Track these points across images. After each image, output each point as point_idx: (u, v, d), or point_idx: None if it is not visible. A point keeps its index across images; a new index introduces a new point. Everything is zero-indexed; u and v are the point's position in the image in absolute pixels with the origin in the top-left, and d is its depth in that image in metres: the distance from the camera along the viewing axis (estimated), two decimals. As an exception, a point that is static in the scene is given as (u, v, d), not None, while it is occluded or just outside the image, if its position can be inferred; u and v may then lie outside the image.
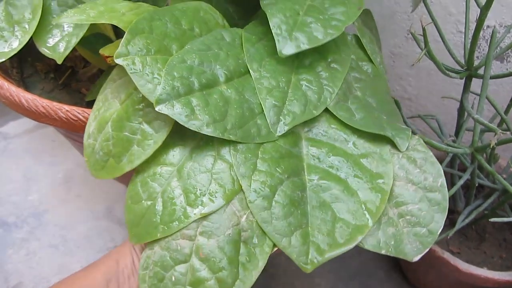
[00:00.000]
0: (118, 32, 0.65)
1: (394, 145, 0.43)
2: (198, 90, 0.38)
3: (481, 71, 0.53)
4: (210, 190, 0.38)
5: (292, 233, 0.37)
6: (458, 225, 0.57)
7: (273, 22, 0.42)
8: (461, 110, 0.59)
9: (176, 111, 0.36)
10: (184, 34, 0.41)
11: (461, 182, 0.53)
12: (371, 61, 0.51)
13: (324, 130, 0.43)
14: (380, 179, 0.41)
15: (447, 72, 0.51)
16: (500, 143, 0.47)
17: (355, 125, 0.43)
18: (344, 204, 0.39)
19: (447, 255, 0.61)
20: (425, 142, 0.45)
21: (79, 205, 0.86)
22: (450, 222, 0.71)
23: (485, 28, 0.69)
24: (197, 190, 0.38)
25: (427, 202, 0.41)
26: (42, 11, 0.54)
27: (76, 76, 0.65)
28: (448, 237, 0.56)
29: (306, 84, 0.43)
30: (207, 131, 0.37)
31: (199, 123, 0.37)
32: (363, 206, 0.39)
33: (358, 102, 0.46)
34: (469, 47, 0.52)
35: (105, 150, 0.41)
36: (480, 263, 0.66)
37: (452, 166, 0.63)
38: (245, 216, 0.38)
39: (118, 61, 0.36)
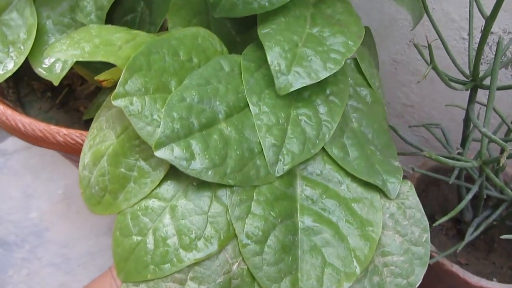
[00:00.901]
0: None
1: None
2: (197, 131, 0.37)
3: (486, 81, 0.52)
4: (205, 234, 0.37)
5: (282, 279, 0.37)
6: (467, 238, 0.56)
7: (271, 57, 0.41)
8: (467, 121, 0.57)
9: (175, 155, 0.35)
10: (183, 67, 0.40)
11: (470, 196, 0.52)
12: (369, 85, 0.50)
13: (320, 169, 0.43)
14: (370, 227, 0.41)
15: (452, 85, 0.50)
16: (510, 157, 0.45)
17: (347, 168, 0.43)
18: (334, 249, 0.39)
19: (456, 268, 0.60)
20: (432, 159, 0.44)
21: (79, 222, 0.85)
22: (458, 232, 0.70)
23: (489, 34, 0.68)
24: (192, 233, 0.37)
25: (410, 255, 0.42)
26: (37, 30, 0.53)
27: (74, 94, 0.64)
28: (457, 253, 0.55)
29: (305, 119, 0.42)
30: (207, 177, 0.36)
31: (199, 169, 0.36)
32: (352, 253, 0.39)
33: (354, 136, 0.46)
34: (474, 58, 0.51)
35: (101, 186, 0.40)
36: (489, 274, 0.64)
37: (459, 176, 0.62)
38: (236, 264, 0.37)
39: (115, 103, 0.35)
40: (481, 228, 0.58)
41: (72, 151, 0.48)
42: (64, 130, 0.47)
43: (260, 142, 0.40)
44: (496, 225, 0.62)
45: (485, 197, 0.58)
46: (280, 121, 0.41)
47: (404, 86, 0.83)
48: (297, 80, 0.41)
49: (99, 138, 0.41)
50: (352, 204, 0.42)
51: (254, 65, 0.43)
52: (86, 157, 0.41)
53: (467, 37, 0.71)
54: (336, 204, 0.42)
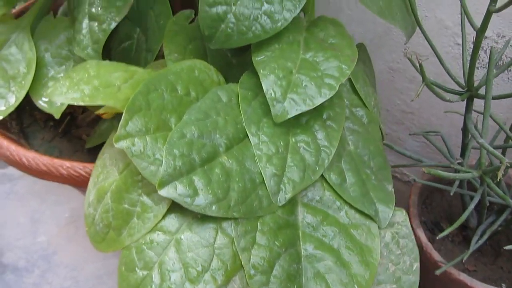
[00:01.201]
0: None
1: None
2: (199, 166, 0.38)
3: (482, 90, 0.53)
4: (212, 266, 0.37)
5: None
6: (473, 247, 0.56)
7: (266, 85, 0.42)
8: (466, 130, 0.58)
9: (179, 192, 0.36)
10: (181, 102, 0.40)
11: (472, 206, 0.52)
12: (365, 105, 0.51)
13: (319, 195, 0.44)
14: (369, 253, 0.42)
15: (447, 97, 0.50)
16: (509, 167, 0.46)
17: (344, 196, 0.44)
18: (337, 276, 0.40)
19: (463, 277, 0.60)
20: (432, 174, 0.44)
21: (87, 244, 0.85)
22: (464, 238, 0.70)
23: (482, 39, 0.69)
24: (198, 266, 0.37)
25: (402, 283, 0.43)
26: (36, 64, 0.54)
27: (75, 122, 0.64)
28: (464, 260, 0.55)
29: (304, 146, 0.43)
30: (211, 212, 0.37)
31: (203, 204, 0.37)
32: (354, 279, 0.40)
33: (351, 160, 0.47)
34: (468, 68, 0.51)
35: (105, 222, 0.40)
36: (497, 280, 0.64)
37: (461, 184, 0.62)
38: None
39: (118, 145, 0.36)
40: (486, 236, 0.58)
41: (76, 183, 0.49)
42: (67, 163, 0.47)
43: (261, 172, 0.41)
44: (502, 230, 0.63)
45: (488, 204, 0.58)
46: (280, 150, 0.42)
47: (402, 94, 0.84)
48: (293, 107, 0.41)
49: (103, 176, 0.41)
50: (351, 230, 0.43)
51: (251, 94, 0.44)
52: (91, 194, 0.42)
53: (461, 42, 0.71)
54: (336, 230, 0.43)
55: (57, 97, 0.40)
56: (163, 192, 0.35)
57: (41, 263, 0.84)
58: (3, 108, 0.52)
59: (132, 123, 0.37)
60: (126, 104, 0.37)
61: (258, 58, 0.45)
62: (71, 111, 0.65)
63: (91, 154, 0.62)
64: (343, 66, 0.44)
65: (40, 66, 0.54)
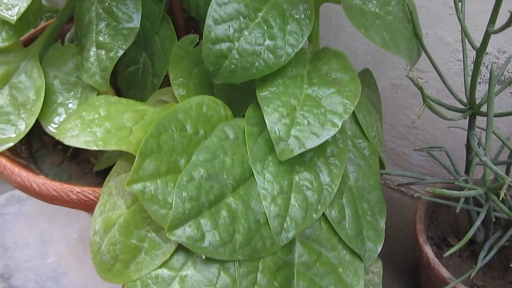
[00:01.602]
0: (121, 97, 0.66)
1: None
2: (207, 209, 0.39)
3: (484, 108, 0.53)
4: None
5: None
6: (480, 263, 0.56)
7: (270, 123, 0.43)
8: (469, 146, 0.58)
9: (187, 235, 0.37)
10: (190, 142, 0.41)
11: (478, 222, 0.52)
12: (367, 136, 0.52)
13: (317, 233, 0.46)
14: None
15: (449, 117, 0.51)
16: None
17: (341, 234, 0.46)
18: None
19: (472, 293, 0.60)
20: (436, 193, 0.45)
21: (97, 264, 0.86)
22: (471, 253, 0.70)
23: (484, 55, 0.69)
24: None
25: None
26: (45, 90, 0.55)
27: (84, 145, 0.65)
28: (472, 276, 0.55)
29: (307, 185, 0.44)
30: (217, 255, 0.38)
31: (210, 248, 0.38)
32: None
33: (351, 195, 0.48)
34: (469, 86, 0.52)
35: (112, 254, 0.41)
36: (506, 295, 0.64)
37: (467, 200, 0.62)
38: None
39: (130, 188, 0.36)
40: (494, 251, 0.58)
41: (86, 208, 0.49)
42: (77, 188, 0.48)
43: (265, 212, 0.42)
44: (509, 245, 0.63)
45: (494, 220, 0.58)
46: (284, 189, 0.43)
47: (406, 109, 0.84)
48: (297, 145, 0.42)
49: (109, 205, 0.42)
50: (340, 270, 0.46)
51: (256, 129, 0.45)
52: (97, 223, 0.42)
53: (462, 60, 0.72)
54: (327, 271, 0.45)
55: (69, 140, 0.40)
56: (172, 235, 0.37)
57: (51, 284, 0.84)
58: (13, 135, 0.53)
59: (144, 167, 0.37)
60: (138, 147, 0.37)
61: (262, 94, 0.46)
62: (79, 134, 0.66)
63: (100, 177, 0.63)
64: (346, 102, 0.45)
65: (49, 92, 0.55)
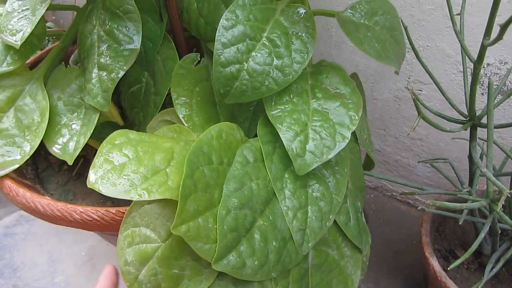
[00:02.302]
0: (125, 116, 0.67)
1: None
2: (244, 236, 0.41)
3: (485, 119, 0.53)
4: None
5: None
6: (487, 275, 0.56)
7: (287, 142, 0.46)
8: (471, 157, 0.58)
9: (231, 265, 0.40)
10: (218, 174, 0.43)
11: (482, 235, 0.52)
12: (356, 140, 0.56)
13: (325, 237, 0.49)
14: (351, 282, 0.51)
15: (448, 129, 0.51)
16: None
17: (348, 234, 0.51)
18: None
19: (480, 307, 0.59)
20: (437, 206, 0.45)
21: (104, 282, 0.87)
22: (479, 265, 0.69)
23: (485, 66, 0.70)
24: None
25: None
26: (49, 112, 0.56)
27: (88, 164, 0.66)
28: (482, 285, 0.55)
29: (320, 196, 0.47)
30: (257, 278, 0.41)
31: (250, 273, 0.41)
32: None
33: (351, 197, 0.52)
34: (469, 98, 0.52)
35: (154, 284, 0.41)
36: (516, 307, 0.63)
37: (472, 212, 0.62)
38: None
39: (176, 232, 0.38)
40: (501, 264, 0.57)
41: (89, 228, 0.50)
42: (80, 208, 0.49)
43: (288, 228, 0.45)
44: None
45: (499, 232, 0.58)
46: (302, 204, 0.46)
47: (409, 121, 0.84)
48: (313, 160, 0.45)
49: (139, 238, 0.42)
50: (342, 264, 0.51)
51: (271, 147, 0.48)
52: (127, 254, 0.42)
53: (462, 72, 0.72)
54: (332, 267, 0.50)
55: (106, 190, 0.39)
56: (218, 267, 0.39)
57: (59, 303, 0.85)
58: (19, 157, 0.54)
59: (185, 209, 0.39)
60: (178, 191, 0.38)
61: (273, 113, 0.48)
62: (84, 153, 0.67)
63: (105, 196, 0.63)
64: (352, 114, 0.48)
65: (53, 114, 0.56)
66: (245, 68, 0.47)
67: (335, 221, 0.50)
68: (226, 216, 0.41)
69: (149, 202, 0.43)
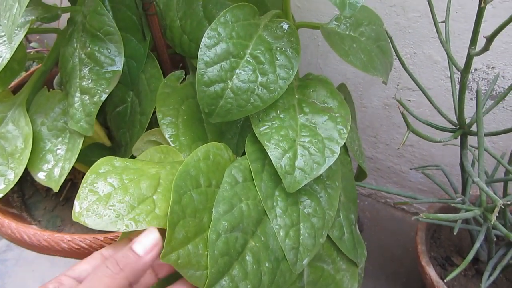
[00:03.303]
0: (112, 136, 0.66)
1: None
2: (235, 259, 0.40)
3: (474, 127, 0.53)
4: None
5: None
6: (485, 284, 0.55)
7: (275, 159, 0.45)
8: (463, 166, 0.57)
9: None
10: (207, 197, 0.41)
11: (478, 244, 0.51)
12: (347, 151, 0.56)
13: (320, 252, 0.48)
14: None
15: (438, 140, 0.50)
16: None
17: (342, 248, 0.50)
18: None
19: (479, 315, 0.58)
20: (431, 218, 0.44)
21: (99, 305, 0.85)
22: (476, 272, 0.69)
23: (473, 71, 0.69)
24: None
25: None
26: (33, 138, 0.55)
27: (76, 187, 0.65)
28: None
29: (312, 212, 0.47)
30: None
31: None
32: None
33: (344, 210, 0.51)
34: (458, 106, 0.52)
35: None
36: (515, 313, 0.63)
37: (467, 220, 0.61)
38: None
39: (165, 260, 0.36)
40: (498, 271, 0.57)
41: (78, 256, 0.49)
42: (67, 237, 0.48)
43: (281, 247, 0.44)
44: (513, 263, 0.61)
45: (494, 239, 0.57)
46: (294, 222, 0.45)
47: (400, 128, 0.84)
48: (303, 177, 0.45)
49: None
50: (338, 278, 0.50)
51: (259, 165, 0.46)
52: None
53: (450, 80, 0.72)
54: (328, 282, 0.49)
55: (92, 222, 0.37)
56: None
57: (53, 328, 0.83)
58: (2, 186, 0.53)
59: (174, 238, 0.37)
60: (166, 219, 0.37)
61: (260, 130, 0.47)
62: (71, 177, 0.66)
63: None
64: (340, 128, 0.47)
65: (37, 140, 0.55)
66: (229, 86, 0.46)
67: (329, 236, 0.50)
68: (217, 241, 0.40)
69: (139, 231, 0.42)
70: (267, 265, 0.42)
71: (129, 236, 0.39)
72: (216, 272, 0.39)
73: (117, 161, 0.44)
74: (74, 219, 0.38)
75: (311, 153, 0.46)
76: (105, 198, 0.40)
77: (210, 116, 0.47)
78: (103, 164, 0.43)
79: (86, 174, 0.41)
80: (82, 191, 0.40)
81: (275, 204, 0.45)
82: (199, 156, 0.44)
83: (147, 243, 0.34)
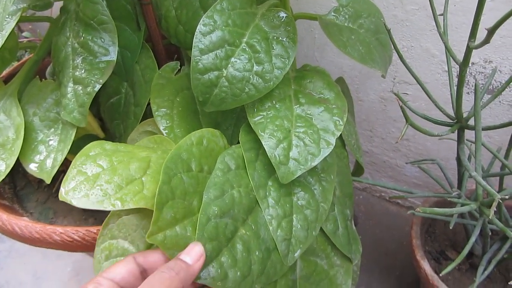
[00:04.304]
0: (105, 128, 0.65)
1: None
2: (225, 246, 0.39)
3: (472, 121, 0.52)
4: None
5: None
6: (479, 279, 0.55)
7: (269, 149, 0.44)
8: (459, 160, 0.57)
9: (212, 276, 0.37)
10: (198, 181, 0.41)
11: (473, 239, 0.51)
12: (344, 146, 0.55)
13: (314, 246, 0.48)
14: None
15: (436, 133, 0.50)
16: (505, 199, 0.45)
17: (336, 243, 0.49)
18: None
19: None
20: (427, 213, 0.44)
21: (91, 298, 0.84)
22: (471, 266, 0.69)
23: (470, 65, 0.69)
24: None
25: None
26: (25, 129, 0.54)
27: (69, 179, 0.64)
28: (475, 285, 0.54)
29: (305, 204, 0.46)
30: None
31: (233, 285, 0.39)
32: None
33: (339, 205, 0.51)
34: (455, 100, 0.51)
35: None
36: (509, 307, 0.63)
37: (462, 214, 0.61)
38: None
39: (151, 240, 0.36)
40: (492, 265, 0.56)
41: (70, 248, 0.48)
42: (60, 229, 0.47)
43: (272, 238, 0.43)
44: (508, 257, 0.61)
45: (490, 234, 0.57)
46: (286, 213, 0.44)
47: (396, 121, 0.83)
48: (297, 167, 0.44)
49: (117, 250, 0.41)
50: (331, 274, 0.50)
51: (253, 154, 0.46)
52: (105, 268, 0.40)
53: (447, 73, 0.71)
54: (322, 277, 0.48)
55: (79, 201, 0.37)
56: (197, 279, 0.36)
57: (46, 321, 0.83)
58: (-7, 177, 0.52)
59: (162, 217, 0.37)
60: (154, 200, 0.36)
61: (255, 119, 0.46)
62: (64, 168, 0.65)
63: (86, 212, 0.61)
64: (336, 119, 0.46)
65: (29, 130, 0.54)
66: (224, 74, 0.45)
67: (323, 230, 0.49)
68: (206, 224, 0.39)
69: (127, 213, 0.41)
70: (257, 254, 0.41)
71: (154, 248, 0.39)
72: (205, 256, 0.38)
73: (108, 145, 0.43)
74: (60, 199, 0.38)
75: (306, 144, 0.45)
76: (93, 178, 0.39)
77: (205, 104, 0.47)
78: (93, 147, 0.42)
79: (76, 156, 0.41)
80: (71, 172, 0.40)
81: (267, 194, 0.45)
82: (193, 140, 0.43)
83: (193, 254, 0.36)
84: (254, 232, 0.42)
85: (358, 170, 0.63)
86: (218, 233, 0.39)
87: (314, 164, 0.44)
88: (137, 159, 0.43)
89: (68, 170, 0.40)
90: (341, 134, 0.49)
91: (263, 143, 0.45)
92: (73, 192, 0.39)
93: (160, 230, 0.36)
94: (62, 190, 0.38)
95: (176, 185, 0.39)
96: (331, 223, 0.49)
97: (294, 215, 0.45)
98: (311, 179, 0.47)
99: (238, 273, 0.39)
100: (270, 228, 0.43)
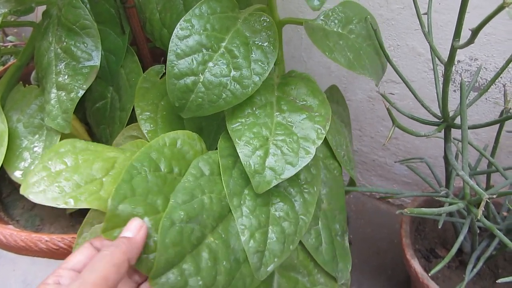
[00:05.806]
0: (92, 133, 0.64)
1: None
2: (189, 253, 0.38)
3: (458, 120, 0.52)
4: None
5: None
6: (468, 277, 0.55)
7: (244, 157, 0.43)
8: (447, 159, 0.57)
9: (170, 282, 0.36)
10: (165, 182, 0.40)
11: (462, 237, 0.51)
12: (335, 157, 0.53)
13: (294, 262, 0.46)
14: None
15: (423, 134, 0.50)
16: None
17: (319, 260, 0.47)
18: None
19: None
20: (415, 213, 0.44)
21: (82, 304, 0.84)
22: (460, 263, 0.69)
23: (456, 63, 0.69)
24: None
25: None
26: (9, 135, 0.53)
27: (56, 186, 0.63)
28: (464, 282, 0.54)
29: (284, 216, 0.44)
30: None
31: None
32: None
33: (325, 219, 0.49)
34: (441, 100, 0.51)
35: None
36: (498, 304, 0.63)
37: (451, 213, 0.61)
38: None
39: (106, 236, 0.35)
40: (481, 263, 0.57)
41: (57, 256, 0.47)
42: (45, 237, 0.46)
43: (244, 249, 0.41)
44: (497, 253, 0.62)
45: (478, 232, 0.57)
46: (261, 224, 0.42)
47: (384, 120, 0.84)
48: (272, 177, 0.42)
49: None
50: None
51: (231, 161, 0.44)
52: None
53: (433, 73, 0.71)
54: None
55: (35, 196, 0.37)
56: (155, 284, 0.35)
57: (36, 328, 0.82)
58: (-23, 186, 0.51)
59: (117, 214, 0.35)
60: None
61: (233, 126, 0.45)
62: (51, 175, 0.64)
63: (74, 218, 0.61)
64: (318, 127, 0.45)
65: (13, 137, 0.54)
66: (201, 80, 0.45)
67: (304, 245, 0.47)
68: (170, 228, 0.37)
69: (99, 221, 0.41)
70: (225, 264, 0.40)
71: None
72: (165, 261, 0.36)
73: (80, 143, 0.43)
74: (21, 192, 0.38)
75: (284, 152, 0.44)
76: (55, 175, 0.39)
77: (181, 110, 0.46)
78: (65, 144, 0.42)
79: (46, 151, 0.41)
80: (37, 166, 0.40)
81: (242, 202, 0.43)
82: (166, 141, 0.42)
83: (132, 227, 0.35)
84: (224, 241, 0.40)
85: (350, 183, 0.62)
86: (182, 239, 0.38)
87: (291, 174, 0.43)
88: (101, 159, 0.42)
89: (35, 165, 0.40)
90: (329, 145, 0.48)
91: (238, 151, 0.43)
92: (33, 187, 0.39)
93: (116, 226, 0.36)
94: (23, 184, 0.38)
95: (138, 184, 0.38)
96: (313, 237, 0.47)
97: (270, 227, 0.43)
98: (291, 190, 0.46)
99: (201, 282, 0.37)
100: (242, 238, 0.41)
